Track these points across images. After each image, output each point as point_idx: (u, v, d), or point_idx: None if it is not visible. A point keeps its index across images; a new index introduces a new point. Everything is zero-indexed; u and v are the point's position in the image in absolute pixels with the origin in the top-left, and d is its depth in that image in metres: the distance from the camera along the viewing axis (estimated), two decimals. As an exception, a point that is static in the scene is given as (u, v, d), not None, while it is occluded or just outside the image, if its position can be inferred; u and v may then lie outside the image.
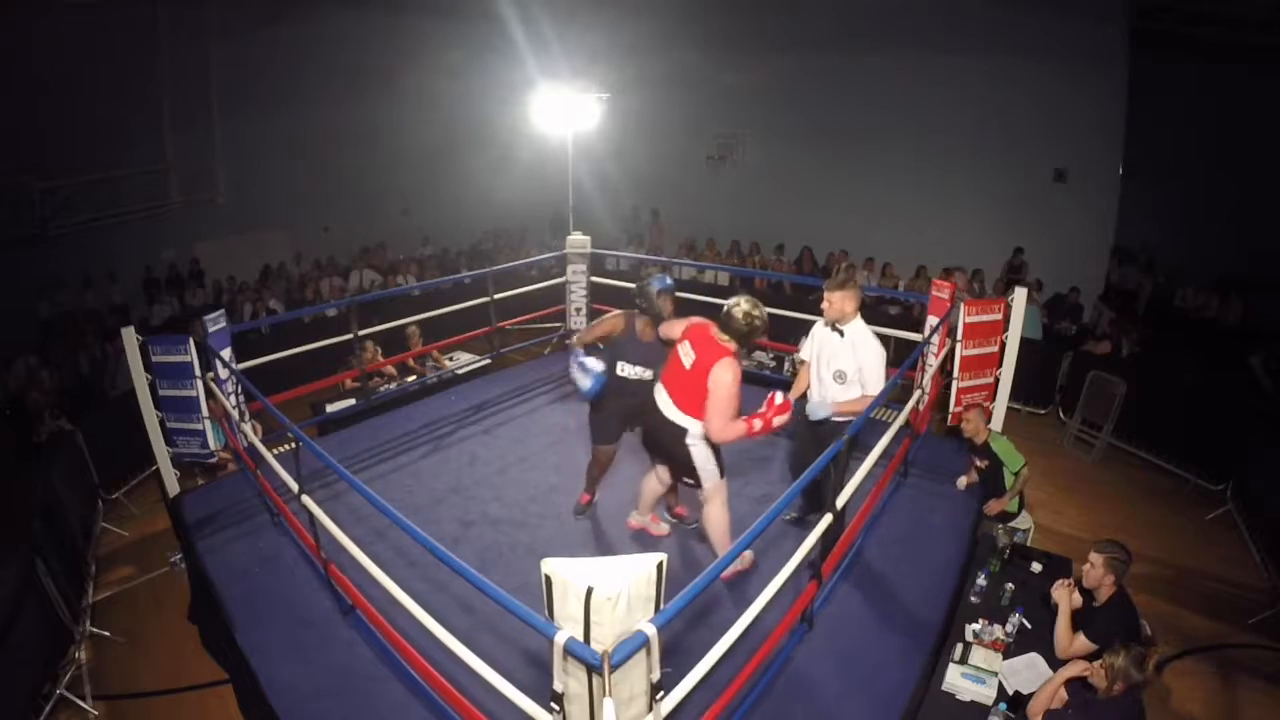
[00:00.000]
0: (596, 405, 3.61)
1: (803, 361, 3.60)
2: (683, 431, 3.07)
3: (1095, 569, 2.76)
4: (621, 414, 3.58)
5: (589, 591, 1.71)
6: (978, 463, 4.02)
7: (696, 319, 3.17)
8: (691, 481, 3.21)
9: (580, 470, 4.26)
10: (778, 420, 2.89)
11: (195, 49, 8.87)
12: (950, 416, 4.57)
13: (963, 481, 4.15)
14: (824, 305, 3.25)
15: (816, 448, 3.10)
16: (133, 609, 4.27)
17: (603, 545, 3.66)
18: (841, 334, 3.24)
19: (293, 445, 3.26)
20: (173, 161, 9.10)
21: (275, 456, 3.33)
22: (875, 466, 3.09)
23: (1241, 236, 8.37)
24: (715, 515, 3.21)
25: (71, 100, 7.78)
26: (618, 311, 3.61)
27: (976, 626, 2.90)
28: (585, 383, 3.37)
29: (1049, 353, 7.15)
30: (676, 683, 1.83)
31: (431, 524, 3.69)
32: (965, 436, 4.10)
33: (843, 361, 3.23)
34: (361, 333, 5.13)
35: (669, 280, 3.55)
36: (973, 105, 8.99)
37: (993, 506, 3.92)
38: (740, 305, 2.96)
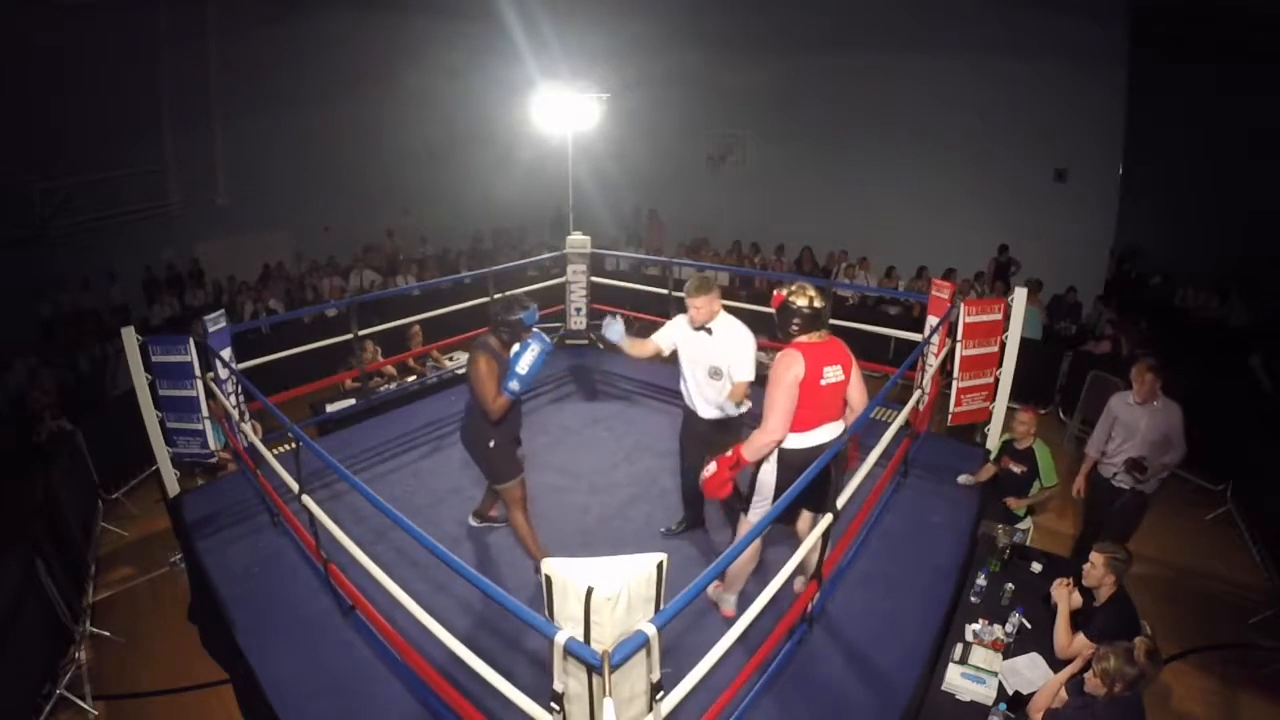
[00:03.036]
0: (494, 437, 3.15)
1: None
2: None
3: (1096, 569, 2.76)
4: (515, 439, 3.34)
5: (589, 591, 1.70)
6: (1014, 467, 3.94)
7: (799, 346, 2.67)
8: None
9: (580, 471, 4.25)
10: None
11: (195, 49, 8.87)
12: (951, 416, 4.57)
13: (966, 479, 4.12)
14: (691, 312, 3.20)
15: (704, 446, 3.14)
16: (133, 609, 4.27)
17: (603, 545, 3.66)
18: (710, 332, 3.22)
19: (293, 445, 3.25)
20: (173, 161, 9.10)
21: (275, 456, 3.33)
22: (875, 466, 3.08)
23: (1241, 236, 8.37)
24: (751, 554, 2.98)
25: (71, 100, 7.79)
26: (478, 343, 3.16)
27: (976, 626, 2.90)
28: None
29: (1049, 353, 7.14)
30: (676, 683, 1.83)
31: (432, 524, 3.69)
32: (1009, 436, 4.02)
33: (717, 358, 3.20)
34: (361, 333, 5.13)
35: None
36: (973, 105, 9.00)
37: (1014, 502, 3.93)
38: (804, 293, 2.69)
